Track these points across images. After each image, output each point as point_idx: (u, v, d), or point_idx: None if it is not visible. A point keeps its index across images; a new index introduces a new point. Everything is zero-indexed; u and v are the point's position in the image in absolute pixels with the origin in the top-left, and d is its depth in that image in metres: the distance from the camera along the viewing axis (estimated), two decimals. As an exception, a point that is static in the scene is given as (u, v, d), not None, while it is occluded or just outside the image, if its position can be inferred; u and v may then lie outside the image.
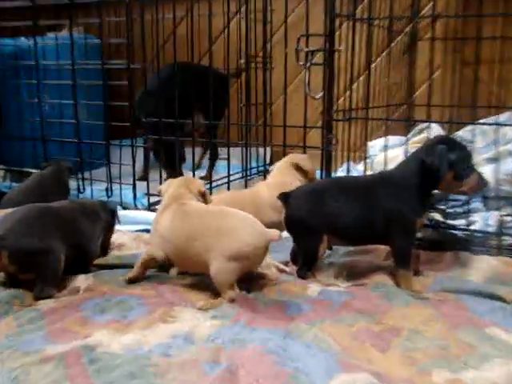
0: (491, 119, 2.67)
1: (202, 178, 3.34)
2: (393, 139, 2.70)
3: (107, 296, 1.87)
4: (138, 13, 2.88)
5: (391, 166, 2.44)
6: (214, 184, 3.02)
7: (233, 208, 1.95)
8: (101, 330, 1.61)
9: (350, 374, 1.35)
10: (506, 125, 2.57)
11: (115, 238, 2.41)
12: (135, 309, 1.77)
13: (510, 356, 1.45)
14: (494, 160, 2.42)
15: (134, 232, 2.59)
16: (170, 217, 1.93)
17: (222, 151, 3.28)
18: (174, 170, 3.02)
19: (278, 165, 2.45)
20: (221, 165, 3.45)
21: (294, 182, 2.32)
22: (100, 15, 2.96)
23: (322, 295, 1.86)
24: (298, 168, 2.38)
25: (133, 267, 2.02)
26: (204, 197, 2.05)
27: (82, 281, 2.03)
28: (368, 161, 2.64)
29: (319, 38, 2.50)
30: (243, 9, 3.19)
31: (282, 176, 2.37)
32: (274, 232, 1.85)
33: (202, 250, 1.82)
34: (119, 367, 1.40)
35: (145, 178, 3.12)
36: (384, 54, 3.21)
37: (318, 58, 2.53)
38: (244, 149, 3.05)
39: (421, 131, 2.65)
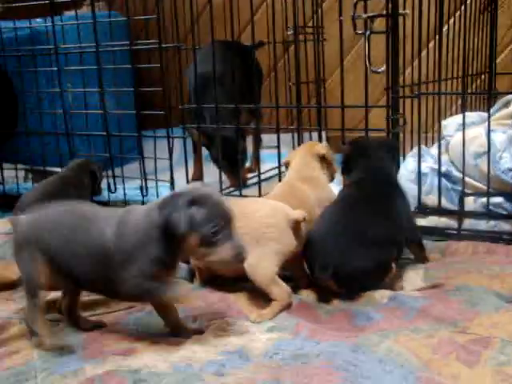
0: None
1: (248, 169, 3.40)
2: (472, 116, 2.68)
3: (149, 308, 1.93)
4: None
5: (471, 147, 2.45)
6: (262, 176, 3.05)
7: None
8: (145, 347, 1.67)
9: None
10: None
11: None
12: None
13: None
14: None
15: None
16: None
17: (270, 138, 3.27)
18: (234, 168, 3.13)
19: (298, 157, 2.43)
20: (266, 154, 3.50)
21: (323, 176, 2.38)
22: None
23: (393, 301, 1.88)
24: (322, 159, 2.40)
25: None
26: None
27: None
28: (443, 142, 2.63)
29: (380, 1, 2.51)
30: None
31: (309, 170, 2.38)
32: (298, 212, 1.93)
33: None
34: (168, 388, 1.45)
35: (200, 177, 3.17)
36: (458, 13, 3.17)
37: (379, 25, 2.53)
38: (295, 134, 3.06)
39: (506, 104, 2.63)
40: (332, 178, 2.43)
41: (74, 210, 1.78)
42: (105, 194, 3.10)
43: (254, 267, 1.87)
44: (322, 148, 2.40)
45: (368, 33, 2.47)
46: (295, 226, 1.93)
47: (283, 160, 2.51)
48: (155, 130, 3.20)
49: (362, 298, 1.93)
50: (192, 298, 1.96)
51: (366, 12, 2.47)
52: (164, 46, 2.92)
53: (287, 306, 1.85)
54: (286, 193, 2.25)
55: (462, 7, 3.07)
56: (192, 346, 1.65)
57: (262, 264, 1.87)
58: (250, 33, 2.87)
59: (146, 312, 1.90)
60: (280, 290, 1.85)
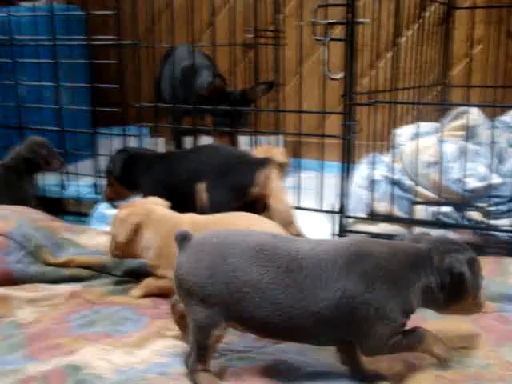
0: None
1: None
2: (425, 126, 2.70)
3: (96, 307, 1.90)
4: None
5: (423, 157, 2.47)
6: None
7: None
8: (89, 346, 1.63)
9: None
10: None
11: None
12: (128, 322, 1.79)
13: None
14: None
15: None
16: None
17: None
18: None
19: None
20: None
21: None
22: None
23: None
24: (280, 166, 2.41)
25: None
26: None
27: (64, 287, 2.06)
28: (396, 151, 2.64)
29: (339, 8, 2.51)
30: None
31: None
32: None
33: None
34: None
35: None
36: (415, 25, 3.21)
37: (338, 32, 2.53)
38: (252, 138, 3.06)
39: (458, 116, 2.66)
40: None
41: None
42: (57, 191, 3.05)
43: None
44: (279, 155, 2.40)
45: (327, 39, 2.47)
46: None
47: None
48: (111, 127, 3.16)
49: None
50: None
51: (326, 18, 2.48)
52: (123, 42, 2.88)
53: None
54: None
55: (420, 20, 3.10)
56: (137, 348, 1.63)
57: None
58: (210, 34, 2.86)
59: (92, 311, 1.87)
60: None
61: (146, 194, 2.28)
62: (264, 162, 2.23)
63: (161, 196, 2.11)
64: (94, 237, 2.45)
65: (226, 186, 2.20)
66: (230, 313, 1.41)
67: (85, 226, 2.67)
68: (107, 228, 2.57)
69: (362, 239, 1.55)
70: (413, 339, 1.44)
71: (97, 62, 3.01)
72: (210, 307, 1.41)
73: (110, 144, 2.96)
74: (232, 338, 1.67)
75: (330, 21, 2.46)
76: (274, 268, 1.40)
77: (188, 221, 1.94)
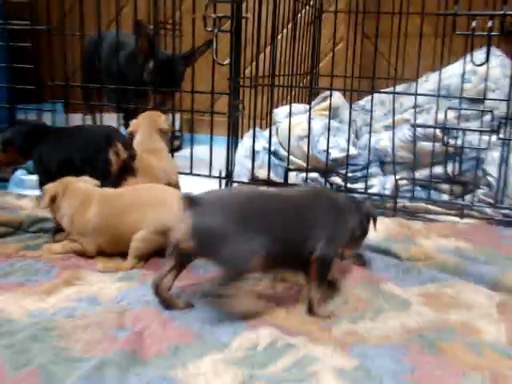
0: (389, 90, 2.71)
1: None
2: (297, 107, 2.71)
3: (12, 260, 1.77)
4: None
5: (296, 131, 2.45)
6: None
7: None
8: (4, 294, 1.52)
9: (254, 329, 1.34)
10: (401, 93, 2.63)
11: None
12: (40, 272, 1.68)
13: (401, 309, 1.49)
14: (391, 127, 2.46)
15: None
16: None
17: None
18: None
19: (142, 129, 2.30)
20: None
21: (165, 147, 2.33)
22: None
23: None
24: (162, 131, 2.32)
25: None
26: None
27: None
28: (274, 127, 2.63)
29: (227, 5, 2.45)
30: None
31: (154, 142, 2.29)
32: None
33: (137, 221, 1.75)
34: (22, 331, 1.32)
35: None
36: (290, 25, 3.18)
37: (226, 25, 2.48)
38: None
39: (324, 99, 2.67)
40: None
41: None
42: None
43: (142, 242, 1.75)
44: (163, 122, 2.30)
45: (216, 30, 2.43)
46: None
47: (127, 130, 2.36)
48: (28, 104, 2.98)
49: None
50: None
51: (215, 13, 2.42)
52: (36, 27, 2.68)
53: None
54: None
55: (293, 20, 3.09)
56: (47, 295, 1.53)
57: (147, 246, 1.76)
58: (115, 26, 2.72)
59: (7, 263, 1.74)
60: (135, 263, 1.74)
61: (35, 161, 2.21)
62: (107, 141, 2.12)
63: (45, 164, 2.13)
64: (13, 199, 2.31)
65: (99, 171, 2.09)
66: (255, 249, 1.38)
67: (4, 190, 2.50)
68: (24, 191, 2.45)
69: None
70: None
71: (12, 44, 2.79)
72: (241, 248, 1.37)
73: (26, 119, 2.77)
74: (131, 285, 1.60)
75: (219, 15, 2.41)
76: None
77: (99, 193, 1.86)
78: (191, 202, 1.41)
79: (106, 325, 1.36)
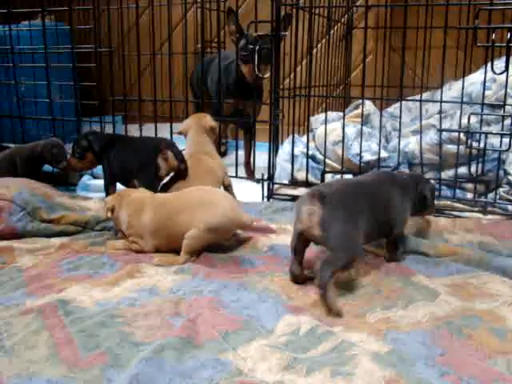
0: (415, 97, 2.68)
1: None
2: (332, 114, 2.69)
3: (81, 254, 1.82)
4: (105, 3, 2.77)
5: (331, 137, 2.44)
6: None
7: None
8: (75, 285, 1.56)
9: (296, 316, 1.34)
10: (428, 100, 2.59)
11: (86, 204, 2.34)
12: (105, 266, 1.72)
13: (430, 298, 1.47)
14: (418, 132, 2.43)
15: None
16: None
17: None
18: None
19: (193, 130, 2.28)
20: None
21: (214, 147, 2.32)
22: (69, 3, 2.82)
23: (271, 250, 1.83)
24: (211, 130, 2.30)
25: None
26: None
27: (55, 240, 1.96)
28: (311, 133, 2.62)
29: (268, 24, 2.46)
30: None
31: (206, 143, 2.27)
32: (248, 217, 1.85)
33: (187, 221, 1.76)
34: (91, 318, 1.36)
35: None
36: (324, 40, 3.17)
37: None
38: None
39: (356, 107, 2.65)
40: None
41: None
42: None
43: (194, 239, 1.75)
44: (211, 121, 2.30)
45: (258, 48, 2.44)
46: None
47: (179, 129, 2.36)
48: (92, 117, 3.04)
49: (247, 247, 1.87)
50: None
51: (256, 31, 2.44)
52: (99, 50, 2.75)
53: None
54: (194, 165, 2.16)
55: (327, 36, 3.07)
56: (112, 286, 1.56)
57: (199, 243, 1.78)
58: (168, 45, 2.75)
59: (77, 258, 1.79)
60: (188, 259, 1.75)
61: (104, 166, 2.29)
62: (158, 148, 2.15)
63: (111, 168, 2.23)
64: (81, 201, 2.35)
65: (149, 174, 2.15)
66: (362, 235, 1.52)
67: (73, 193, 2.55)
68: (90, 194, 2.49)
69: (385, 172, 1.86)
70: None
71: (79, 65, 2.86)
72: (356, 238, 1.49)
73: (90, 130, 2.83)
74: (185, 277, 1.62)
75: (260, 33, 2.42)
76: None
77: (151, 200, 1.88)
78: (320, 196, 1.47)
79: (163, 313, 1.38)
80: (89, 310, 1.41)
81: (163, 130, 2.68)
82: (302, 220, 1.49)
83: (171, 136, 2.63)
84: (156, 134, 2.65)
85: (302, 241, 1.54)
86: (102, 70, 2.80)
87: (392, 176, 1.75)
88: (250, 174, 2.79)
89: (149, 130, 2.72)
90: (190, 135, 2.27)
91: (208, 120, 2.27)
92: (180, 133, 2.32)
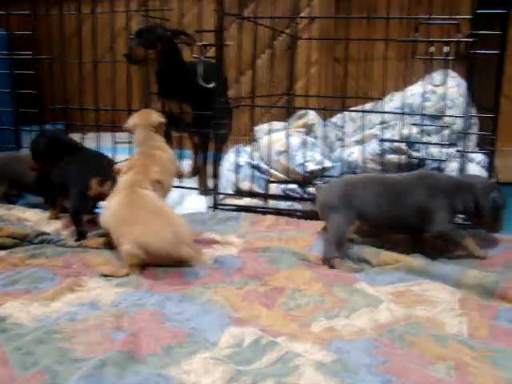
0: (358, 108, 2.73)
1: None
2: (276, 124, 2.71)
3: (18, 269, 1.75)
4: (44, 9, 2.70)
5: (275, 147, 2.46)
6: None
7: None
8: (11, 301, 1.50)
9: (240, 327, 1.33)
10: (370, 111, 2.64)
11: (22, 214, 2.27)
12: (44, 280, 1.66)
13: (373, 305, 1.49)
14: (361, 142, 2.47)
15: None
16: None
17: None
18: None
19: (142, 127, 2.17)
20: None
21: (163, 140, 2.25)
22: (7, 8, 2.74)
23: (217, 262, 1.82)
24: (159, 126, 2.25)
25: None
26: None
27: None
28: (255, 143, 2.63)
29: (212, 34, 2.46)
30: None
31: (155, 138, 2.21)
32: (190, 252, 1.76)
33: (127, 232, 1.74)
34: (28, 335, 1.31)
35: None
36: (268, 51, 3.19)
37: (211, 52, 2.48)
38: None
39: (300, 117, 2.67)
40: None
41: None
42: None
43: (126, 256, 1.72)
44: (158, 117, 2.24)
45: (202, 57, 2.44)
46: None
47: (125, 126, 2.23)
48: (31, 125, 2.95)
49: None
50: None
51: (201, 41, 2.43)
52: (37, 57, 2.67)
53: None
54: (145, 161, 2.10)
55: (272, 46, 3.10)
56: (51, 301, 1.51)
57: (132, 260, 1.72)
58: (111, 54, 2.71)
59: (15, 272, 1.72)
60: (130, 271, 1.71)
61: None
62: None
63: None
64: (20, 212, 2.27)
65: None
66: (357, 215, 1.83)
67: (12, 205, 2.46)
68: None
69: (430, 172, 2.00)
70: (458, 232, 1.83)
71: (16, 72, 2.77)
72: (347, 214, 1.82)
73: (30, 139, 2.74)
74: (127, 290, 1.58)
75: (204, 43, 2.42)
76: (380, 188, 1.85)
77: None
78: (318, 188, 1.98)
79: (105, 327, 1.35)
80: (26, 327, 1.36)
81: (106, 140, 2.63)
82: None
83: (114, 145, 2.59)
84: (98, 144, 2.59)
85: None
86: (42, 78, 2.72)
87: (427, 176, 1.87)
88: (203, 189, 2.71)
89: (91, 140, 2.66)
90: (137, 133, 2.20)
91: (155, 117, 2.23)
92: (127, 130, 2.25)
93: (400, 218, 1.84)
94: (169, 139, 2.54)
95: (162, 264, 1.74)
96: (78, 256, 1.87)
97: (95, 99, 2.69)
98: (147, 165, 2.01)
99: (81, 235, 2.02)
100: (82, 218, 2.08)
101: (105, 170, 2.12)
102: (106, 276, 1.69)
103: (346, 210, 1.83)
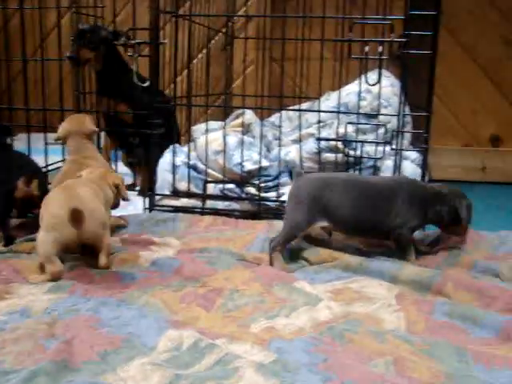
0: (295, 107, 2.74)
1: None
2: (213, 124, 2.69)
3: None
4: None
5: (212, 146, 2.43)
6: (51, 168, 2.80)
7: None
8: None
9: (178, 330, 1.30)
10: (307, 110, 2.66)
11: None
12: (-30, 288, 1.58)
13: (312, 303, 1.49)
14: (298, 141, 2.49)
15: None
16: None
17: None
18: None
19: (74, 134, 2.12)
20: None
21: (95, 148, 2.24)
22: None
23: (154, 265, 1.78)
24: (90, 133, 2.19)
25: None
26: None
27: None
28: (192, 143, 2.60)
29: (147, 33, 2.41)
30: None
31: (87, 146, 2.13)
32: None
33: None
34: (-47, 346, 1.24)
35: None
36: (205, 50, 3.17)
37: (147, 51, 2.44)
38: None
39: (237, 116, 2.66)
40: None
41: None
42: None
43: (38, 246, 1.66)
44: (90, 124, 2.18)
45: (136, 55, 2.39)
46: (77, 217, 1.64)
47: (55, 136, 2.18)
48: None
49: (129, 262, 1.81)
50: None
51: (134, 39, 2.38)
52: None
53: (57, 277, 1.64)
54: (74, 170, 2.03)
55: (208, 45, 3.08)
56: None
57: (44, 248, 1.64)
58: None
59: None
60: (52, 268, 1.63)
61: None
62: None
63: None
64: None
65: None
66: (324, 215, 1.81)
67: None
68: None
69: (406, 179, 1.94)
70: (410, 248, 1.84)
71: None
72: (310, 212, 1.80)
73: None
74: (61, 296, 1.52)
75: (138, 41, 2.37)
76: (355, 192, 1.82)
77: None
78: (295, 173, 1.90)
79: (36, 336, 1.29)
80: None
81: (37, 141, 2.53)
82: None
83: (46, 147, 2.50)
84: (29, 145, 2.49)
85: None
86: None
87: (406, 183, 1.88)
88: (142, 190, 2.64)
89: (21, 141, 2.56)
90: (69, 142, 2.14)
91: (87, 124, 2.16)
92: (58, 139, 2.18)
93: (372, 223, 1.84)
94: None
95: (72, 247, 1.71)
96: (7, 262, 1.78)
97: (25, 98, 2.58)
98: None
99: (8, 240, 1.93)
100: (9, 221, 1.99)
101: (31, 168, 2.04)
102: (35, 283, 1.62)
103: (312, 208, 1.80)
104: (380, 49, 2.16)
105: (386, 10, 2.37)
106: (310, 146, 2.44)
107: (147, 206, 2.42)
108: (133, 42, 2.39)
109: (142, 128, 2.44)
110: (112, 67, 2.58)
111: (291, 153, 2.49)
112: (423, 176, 2.24)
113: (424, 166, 2.25)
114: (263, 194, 2.38)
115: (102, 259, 1.71)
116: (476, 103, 3.40)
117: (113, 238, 1.94)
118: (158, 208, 2.42)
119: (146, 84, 2.41)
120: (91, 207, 1.69)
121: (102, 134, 2.72)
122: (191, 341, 1.25)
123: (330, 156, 2.38)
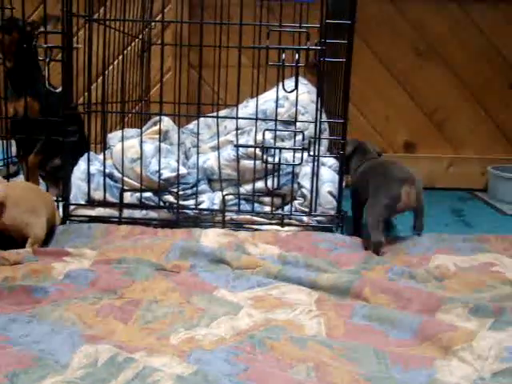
0: (213, 114, 2.73)
1: None
2: (130, 131, 2.63)
3: None
4: None
5: (129, 154, 2.37)
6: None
7: None
8: None
9: (93, 345, 1.25)
10: (224, 117, 2.66)
11: None
12: None
13: (233, 312, 1.47)
14: (217, 148, 2.47)
15: None
16: None
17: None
18: None
19: None
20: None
21: None
22: None
23: (67, 278, 1.70)
24: None
25: None
26: None
27: None
28: (108, 151, 2.52)
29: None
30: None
31: None
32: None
33: None
34: None
35: None
36: (120, 57, 3.10)
37: (59, 56, 2.36)
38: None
39: (154, 123, 2.61)
40: None
41: None
42: None
43: None
44: None
45: (47, 59, 2.30)
46: None
47: None
48: None
49: (41, 274, 1.72)
50: None
51: (46, 43, 2.29)
52: None
53: None
54: None
55: (124, 51, 3.01)
56: None
57: None
58: None
59: None
60: None
61: None
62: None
63: None
64: None
65: None
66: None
67: None
68: None
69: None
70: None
71: None
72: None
73: None
74: None
75: (50, 45, 2.28)
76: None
77: None
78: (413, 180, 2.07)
79: None
80: None
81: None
82: (403, 199, 2.00)
83: None
84: None
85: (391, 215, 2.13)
86: None
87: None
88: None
89: None
90: None
91: None
92: None
93: None
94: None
95: None
96: None
97: None
98: None
99: None
100: None
101: None
102: None
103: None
104: (296, 56, 2.19)
105: (303, 19, 2.40)
106: (228, 152, 2.43)
107: (61, 215, 2.32)
108: (44, 45, 2.30)
109: (53, 135, 2.35)
110: (26, 67, 2.47)
111: (210, 160, 2.47)
112: (341, 182, 2.29)
113: (341, 171, 2.30)
114: (182, 202, 2.35)
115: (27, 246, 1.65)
116: (390, 111, 3.52)
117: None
118: (72, 218, 2.33)
119: (59, 90, 2.32)
120: (17, 194, 1.62)
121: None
122: (107, 356, 1.20)
123: (248, 163, 2.38)
